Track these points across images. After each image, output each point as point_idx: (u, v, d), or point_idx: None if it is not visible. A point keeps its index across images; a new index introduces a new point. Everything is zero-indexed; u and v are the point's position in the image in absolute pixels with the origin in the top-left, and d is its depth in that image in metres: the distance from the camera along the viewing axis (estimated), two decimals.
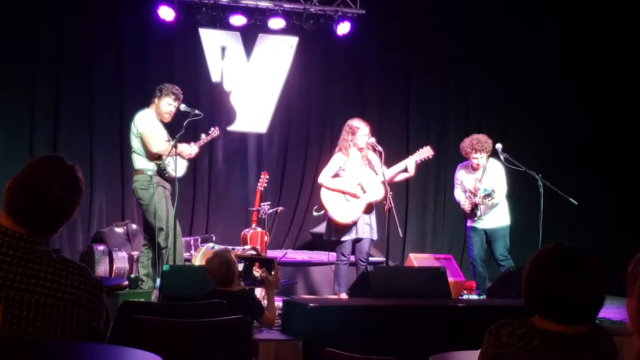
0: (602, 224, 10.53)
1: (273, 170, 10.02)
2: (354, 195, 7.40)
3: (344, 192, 7.43)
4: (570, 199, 8.12)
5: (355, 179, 7.45)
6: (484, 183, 7.99)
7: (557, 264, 2.41)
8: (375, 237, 7.50)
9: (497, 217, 8.07)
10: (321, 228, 9.77)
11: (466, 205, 8.09)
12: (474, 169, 8.10)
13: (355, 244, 7.45)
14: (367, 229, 7.41)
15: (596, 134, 10.76)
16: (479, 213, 8.03)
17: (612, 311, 6.84)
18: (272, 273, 5.34)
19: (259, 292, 6.91)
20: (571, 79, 10.79)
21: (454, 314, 6.03)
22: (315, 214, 8.83)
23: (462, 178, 8.21)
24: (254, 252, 7.13)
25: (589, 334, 2.39)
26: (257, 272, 5.80)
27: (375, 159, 7.54)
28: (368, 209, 7.43)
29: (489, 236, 8.12)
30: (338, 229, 7.44)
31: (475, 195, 7.98)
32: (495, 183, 7.99)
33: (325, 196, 7.52)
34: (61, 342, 2.25)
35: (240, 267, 5.81)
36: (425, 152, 7.66)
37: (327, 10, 9.89)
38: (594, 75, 10.72)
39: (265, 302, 5.93)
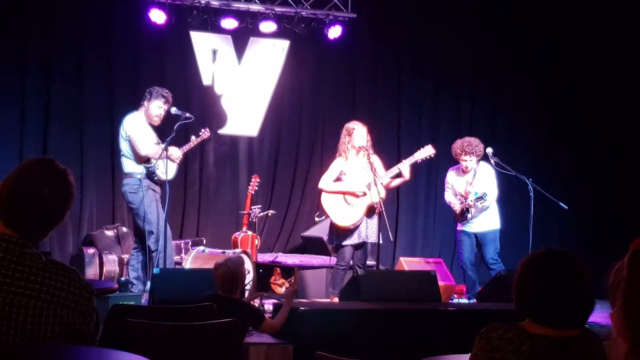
0: (592, 228, 10.55)
1: (264, 174, 10.01)
2: (354, 194, 7.38)
3: (344, 193, 7.43)
4: (561, 204, 8.14)
5: (356, 182, 7.44)
6: (475, 186, 8.00)
7: (548, 268, 2.42)
8: (379, 241, 7.45)
9: (487, 220, 8.08)
10: (312, 232, 9.81)
11: (457, 206, 8.09)
12: (464, 171, 8.11)
13: (356, 249, 7.45)
14: (369, 233, 7.41)
15: (588, 137, 10.79)
16: (469, 216, 8.03)
17: (601, 315, 6.84)
18: (292, 282, 5.32)
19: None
20: (564, 81, 10.82)
21: (444, 317, 6.05)
22: (317, 219, 8.84)
23: (453, 181, 8.22)
24: (245, 257, 7.12)
25: (579, 338, 2.40)
26: (277, 286, 5.77)
27: (377, 163, 7.53)
28: (370, 213, 7.43)
29: (479, 240, 8.13)
30: (340, 233, 7.44)
31: (466, 199, 7.99)
32: (486, 186, 7.99)
33: (326, 201, 7.52)
34: (50, 345, 2.25)
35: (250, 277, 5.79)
36: (427, 152, 7.57)
37: (318, 13, 9.89)
38: (588, 77, 10.74)
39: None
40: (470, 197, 7.94)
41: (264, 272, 5.56)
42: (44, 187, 2.32)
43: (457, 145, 8.07)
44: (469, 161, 8.01)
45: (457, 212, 8.14)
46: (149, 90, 7.55)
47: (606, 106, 10.69)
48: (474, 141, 8.04)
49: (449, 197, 8.27)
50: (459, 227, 8.21)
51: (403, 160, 7.60)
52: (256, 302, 6.70)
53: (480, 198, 7.89)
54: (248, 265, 6.33)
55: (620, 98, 10.56)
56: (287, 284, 5.40)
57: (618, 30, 10.51)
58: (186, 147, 7.76)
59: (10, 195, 2.32)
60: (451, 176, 8.27)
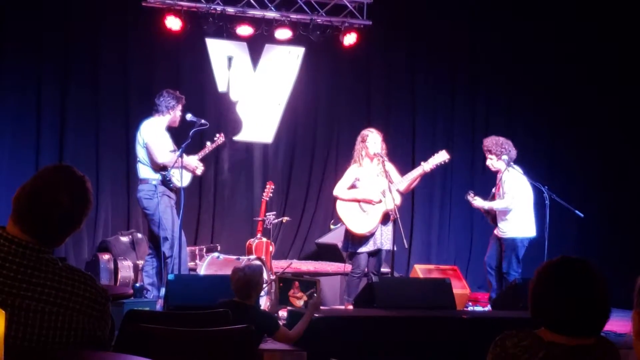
0: (608, 236, 10.49)
1: (278, 181, 10.02)
2: (369, 202, 7.37)
3: (359, 201, 7.42)
4: (576, 211, 8.09)
5: (371, 189, 7.42)
6: (501, 189, 7.92)
7: (564, 276, 2.41)
8: (394, 248, 7.39)
9: (511, 226, 7.88)
10: (326, 239, 9.81)
11: (475, 204, 8.06)
12: (495, 172, 8.04)
13: (371, 256, 7.44)
14: (384, 240, 7.39)
15: (604, 144, 10.73)
16: (490, 218, 8.01)
17: (617, 324, 6.80)
18: (315, 295, 5.31)
19: (264, 301, 6.89)
20: (581, 88, 10.75)
21: (459, 325, 6.02)
22: (332, 226, 8.83)
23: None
24: (258, 267, 7.11)
25: (595, 347, 2.39)
26: (295, 299, 5.78)
27: (392, 170, 7.52)
28: (385, 220, 7.42)
29: (502, 245, 7.99)
30: (355, 240, 7.43)
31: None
32: (507, 190, 7.87)
33: (341, 208, 7.51)
34: (66, 351, 2.26)
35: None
36: (441, 157, 7.52)
37: (333, 21, 9.91)
38: (607, 82, 10.67)
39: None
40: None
41: (284, 285, 5.58)
42: (61, 194, 2.34)
43: (483, 142, 8.07)
44: (488, 159, 7.97)
45: (482, 211, 8.11)
46: (171, 96, 7.53)
47: (625, 112, 10.62)
48: (495, 139, 7.94)
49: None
50: (494, 232, 8.14)
51: (422, 163, 7.57)
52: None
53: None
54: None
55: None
56: (305, 298, 5.40)
57: (635, 32, 10.44)
58: (202, 154, 7.79)
59: (28, 202, 2.33)
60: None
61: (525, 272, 7.79)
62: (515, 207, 7.90)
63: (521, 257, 7.94)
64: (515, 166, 8.00)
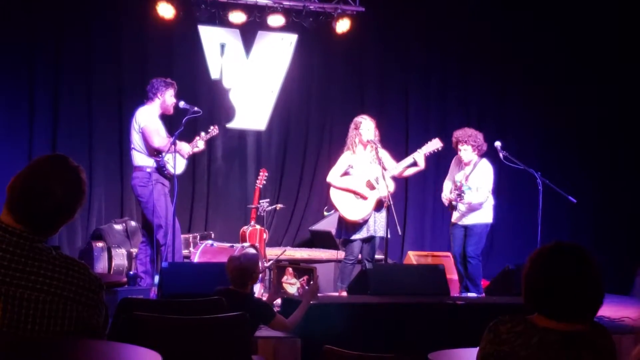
0: (600, 222, 10.52)
1: (272, 168, 10.02)
2: (363, 196, 7.38)
3: (351, 191, 7.42)
4: (569, 197, 8.11)
5: (364, 176, 7.44)
6: (470, 181, 7.86)
7: (557, 261, 2.42)
8: (387, 235, 7.41)
9: (477, 214, 7.91)
10: (320, 226, 9.81)
11: (444, 198, 8.01)
12: (465, 164, 7.99)
13: (364, 243, 7.45)
14: (378, 227, 7.41)
15: (597, 131, 10.74)
16: (457, 207, 7.91)
17: (610, 309, 6.83)
18: (312, 282, 5.30)
19: (257, 288, 6.90)
20: (574, 73, 10.75)
21: (453, 311, 6.04)
22: (325, 213, 8.82)
23: (453, 170, 8.12)
24: (254, 256, 7.11)
25: (588, 332, 2.40)
26: (289, 285, 5.79)
27: (386, 156, 7.52)
28: (378, 206, 7.43)
29: (469, 232, 7.97)
30: (349, 227, 7.44)
31: (457, 191, 7.83)
32: (479, 182, 7.85)
33: (334, 195, 7.52)
34: (60, 339, 2.26)
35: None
36: (434, 145, 7.56)
37: (326, 7, 9.88)
38: (594, 73, 10.69)
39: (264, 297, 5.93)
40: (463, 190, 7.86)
41: (278, 271, 5.58)
42: (55, 183, 2.33)
43: (454, 134, 7.99)
44: (462, 151, 7.89)
45: (445, 203, 8.05)
46: (159, 82, 7.53)
47: (618, 99, 10.63)
48: (470, 131, 7.93)
49: (445, 186, 8.14)
50: (452, 220, 8.09)
51: (418, 150, 7.56)
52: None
53: (459, 195, 7.78)
54: None
55: (632, 90, 10.50)
56: (299, 284, 5.40)
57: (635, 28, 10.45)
58: (195, 144, 7.77)
59: (22, 191, 2.33)
60: (452, 164, 8.18)
61: (518, 259, 7.80)
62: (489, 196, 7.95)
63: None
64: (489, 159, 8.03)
